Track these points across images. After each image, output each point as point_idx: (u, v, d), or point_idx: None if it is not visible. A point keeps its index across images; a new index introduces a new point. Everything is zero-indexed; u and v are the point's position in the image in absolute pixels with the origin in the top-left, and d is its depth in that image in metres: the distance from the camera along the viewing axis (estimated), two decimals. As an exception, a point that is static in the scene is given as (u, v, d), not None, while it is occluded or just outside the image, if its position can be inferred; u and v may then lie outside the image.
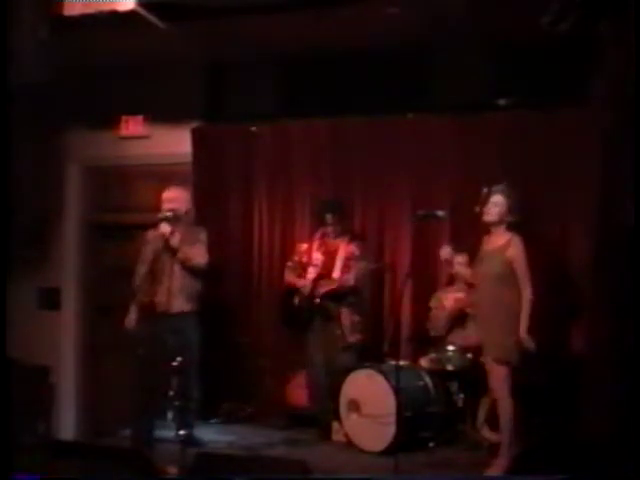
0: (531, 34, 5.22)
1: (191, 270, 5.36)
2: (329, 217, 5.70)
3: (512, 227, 4.74)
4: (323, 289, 5.59)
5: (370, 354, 5.66)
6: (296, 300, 5.67)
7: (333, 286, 5.57)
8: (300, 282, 5.69)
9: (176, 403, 5.07)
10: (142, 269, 5.38)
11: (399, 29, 5.49)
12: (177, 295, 5.28)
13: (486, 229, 4.82)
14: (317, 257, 5.69)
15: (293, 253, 5.94)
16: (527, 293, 4.59)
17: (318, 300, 5.57)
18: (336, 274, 5.61)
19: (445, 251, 5.21)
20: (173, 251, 5.28)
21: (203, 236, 5.49)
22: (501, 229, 4.73)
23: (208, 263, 5.47)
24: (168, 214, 5.30)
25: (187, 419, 5.22)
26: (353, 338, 5.58)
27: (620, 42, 4.54)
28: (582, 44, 5.02)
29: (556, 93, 5.68)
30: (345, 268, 5.59)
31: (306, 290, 5.63)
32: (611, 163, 4.85)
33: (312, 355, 5.66)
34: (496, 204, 4.71)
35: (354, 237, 5.78)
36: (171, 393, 5.06)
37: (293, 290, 5.73)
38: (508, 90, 5.87)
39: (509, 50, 5.84)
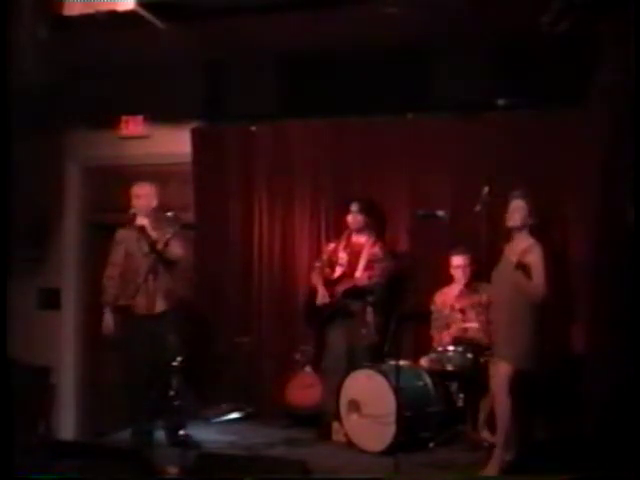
0: (531, 34, 5.22)
1: (169, 263, 5.20)
2: (354, 205, 5.77)
3: (534, 231, 4.74)
4: (341, 287, 5.67)
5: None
6: (318, 299, 5.74)
7: (349, 285, 5.65)
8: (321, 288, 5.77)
9: (175, 403, 5.09)
10: (113, 271, 5.32)
11: (399, 29, 5.49)
12: (156, 295, 5.17)
13: (508, 234, 4.83)
14: (342, 256, 5.81)
15: (321, 252, 6.03)
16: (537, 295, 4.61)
17: (339, 294, 5.65)
18: (358, 274, 5.70)
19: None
20: (152, 243, 5.13)
21: (176, 229, 5.22)
22: (524, 234, 4.75)
23: (185, 256, 5.37)
24: (135, 210, 5.23)
25: (179, 419, 5.22)
26: (375, 337, 5.63)
27: (620, 42, 4.54)
28: (582, 44, 5.03)
29: (556, 93, 5.67)
30: (368, 269, 5.67)
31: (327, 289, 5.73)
32: (611, 163, 4.86)
33: (332, 351, 5.69)
34: (518, 209, 4.74)
35: (379, 238, 5.83)
36: (172, 393, 5.09)
37: (316, 290, 5.80)
38: (508, 90, 5.87)
39: (509, 50, 5.84)
